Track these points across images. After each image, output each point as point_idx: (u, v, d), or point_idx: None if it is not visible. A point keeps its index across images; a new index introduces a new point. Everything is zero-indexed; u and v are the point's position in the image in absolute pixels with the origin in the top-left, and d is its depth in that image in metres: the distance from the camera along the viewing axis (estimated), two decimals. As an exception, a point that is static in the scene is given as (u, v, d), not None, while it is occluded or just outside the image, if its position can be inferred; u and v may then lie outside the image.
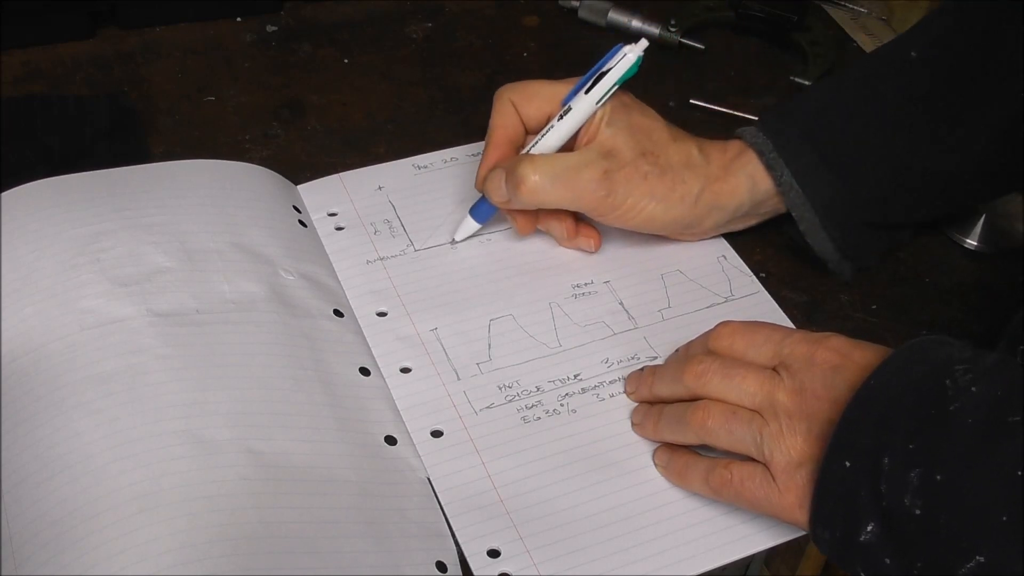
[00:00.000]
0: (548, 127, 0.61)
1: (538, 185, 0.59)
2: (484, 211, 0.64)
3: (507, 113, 0.63)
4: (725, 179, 0.63)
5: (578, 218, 0.65)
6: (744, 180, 0.63)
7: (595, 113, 0.60)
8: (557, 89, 0.62)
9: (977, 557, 0.41)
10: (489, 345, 0.60)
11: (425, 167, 0.69)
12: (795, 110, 0.65)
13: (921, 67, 0.63)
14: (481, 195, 0.63)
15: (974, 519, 0.41)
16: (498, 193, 0.61)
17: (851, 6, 0.87)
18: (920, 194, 0.64)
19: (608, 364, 0.59)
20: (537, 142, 0.61)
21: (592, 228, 0.65)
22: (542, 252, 0.65)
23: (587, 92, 0.60)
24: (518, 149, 0.63)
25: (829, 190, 0.62)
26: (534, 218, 0.64)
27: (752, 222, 0.66)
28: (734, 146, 0.64)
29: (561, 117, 0.61)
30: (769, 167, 0.63)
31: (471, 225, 0.65)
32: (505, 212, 0.64)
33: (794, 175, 0.62)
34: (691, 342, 0.57)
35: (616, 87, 0.60)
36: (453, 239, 0.65)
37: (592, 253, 0.65)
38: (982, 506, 0.41)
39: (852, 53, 0.83)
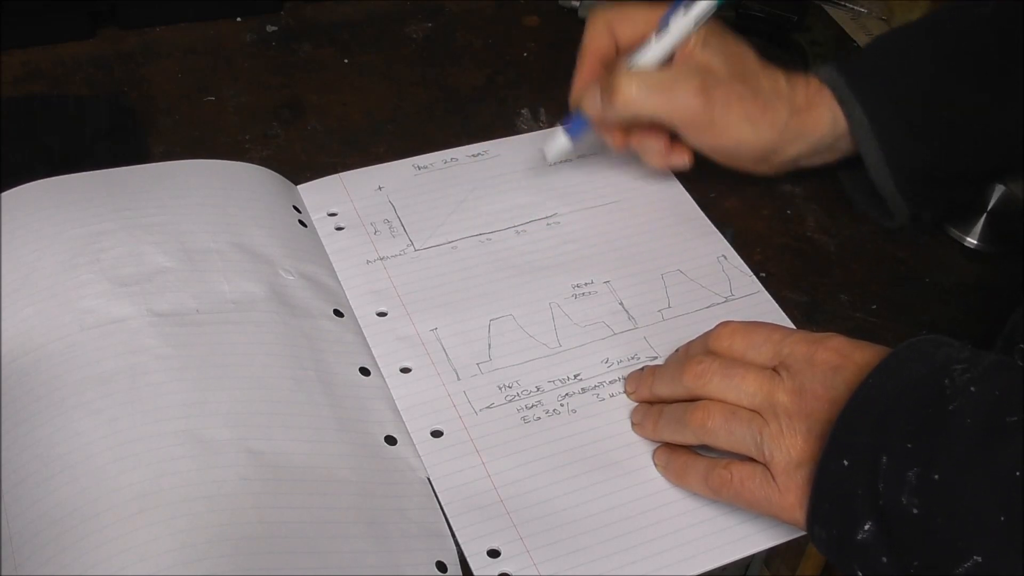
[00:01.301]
0: (645, 44, 0.62)
1: (634, 95, 0.60)
2: (577, 127, 0.64)
3: (601, 33, 0.64)
4: (809, 111, 0.65)
5: (671, 137, 0.66)
6: (826, 113, 0.65)
7: (690, 36, 0.62)
8: (653, 13, 0.63)
9: (974, 557, 0.41)
10: (489, 345, 0.60)
11: (425, 167, 0.69)
12: (869, 53, 0.67)
13: (993, 21, 0.64)
14: (575, 113, 0.64)
15: (972, 519, 0.41)
16: (594, 105, 0.62)
17: (851, 6, 0.87)
18: (982, 145, 0.65)
19: (608, 364, 0.59)
20: (633, 58, 0.62)
21: (683, 145, 0.66)
22: (542, 252, 0.65)
23: (686, 12, 0.61)
24: (610, 70, 0.64)
25: (897, 128, 0.64)
26: (628, 134, 0.65)
27: (829, 158, 0.68)
28: (814, 82, 0.66)
29: (659, 36, 0.61)
30: (842, 102, 0.64)
31: (563, 142, 0.65)
32: (599, 130, 0.65)
33: (864, 111, 0.64)
34: (691, 342, 0.57)
35: (715, 8, 0.61)
36: (546, 157, 0.66)
37: (685, 169, 0.67)
38: (980, 506, 0.41)
39: (852, 53, 0.83)
